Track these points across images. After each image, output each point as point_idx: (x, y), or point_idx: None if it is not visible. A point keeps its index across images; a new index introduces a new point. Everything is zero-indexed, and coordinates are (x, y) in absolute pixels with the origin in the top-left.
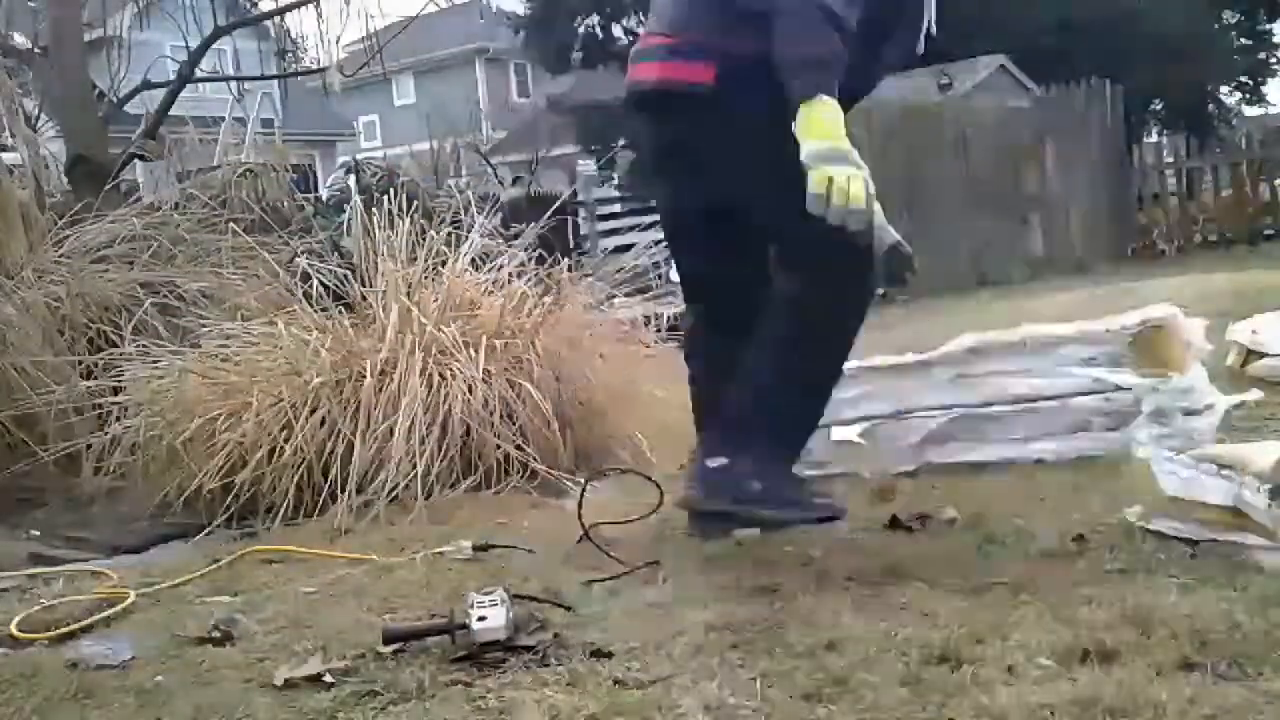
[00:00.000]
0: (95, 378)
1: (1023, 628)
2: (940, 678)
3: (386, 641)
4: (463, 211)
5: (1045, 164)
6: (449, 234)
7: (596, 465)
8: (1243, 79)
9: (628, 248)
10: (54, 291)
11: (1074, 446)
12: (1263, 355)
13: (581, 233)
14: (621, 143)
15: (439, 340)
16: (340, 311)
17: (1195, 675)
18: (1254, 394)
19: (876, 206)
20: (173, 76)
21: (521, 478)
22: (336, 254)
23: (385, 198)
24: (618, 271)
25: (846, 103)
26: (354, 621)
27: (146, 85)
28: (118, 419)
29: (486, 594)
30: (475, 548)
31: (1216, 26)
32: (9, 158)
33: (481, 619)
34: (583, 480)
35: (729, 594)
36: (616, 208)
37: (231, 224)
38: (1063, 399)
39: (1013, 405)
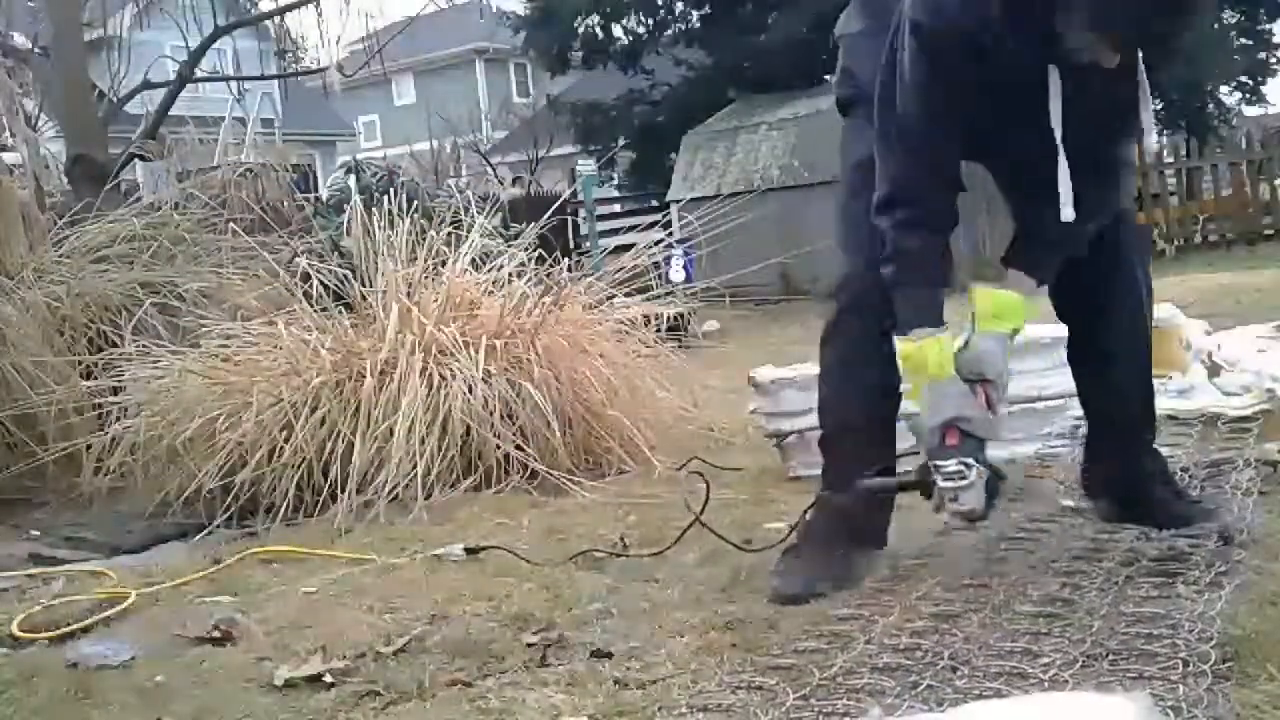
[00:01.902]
0: (95, 378)
1: (1027, 633)
2: (939, 676)
3: (868, 490)
4: (463, 211)
5: None
6: (449, 234)
7: (596, 465)
8: (1243, 79)
9: (628, 248)
10: (54, 291)
11: (1073, 445)
12: (1222, 369)
13: (581, 233)
14: (622, 142)
15: (439, 340)
16: (340, 311)
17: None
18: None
19: None
20: (173, 76)
21: (521, 478)
22: (336, 254)
23: (385, 198)
24: (618, 271)
25: None
26: (354, 621)
27: (146, 85)
28: (118, 419)
29: (960, 463)
30: (467, 550)
31: (1216, 26)
32: (9, 158)
33: (959, 477)
34: (583, 480)
35: (729, 593)
36: (616, 208)
37: (231, 224)
38: (1062, 399)
39: (1011, 406)
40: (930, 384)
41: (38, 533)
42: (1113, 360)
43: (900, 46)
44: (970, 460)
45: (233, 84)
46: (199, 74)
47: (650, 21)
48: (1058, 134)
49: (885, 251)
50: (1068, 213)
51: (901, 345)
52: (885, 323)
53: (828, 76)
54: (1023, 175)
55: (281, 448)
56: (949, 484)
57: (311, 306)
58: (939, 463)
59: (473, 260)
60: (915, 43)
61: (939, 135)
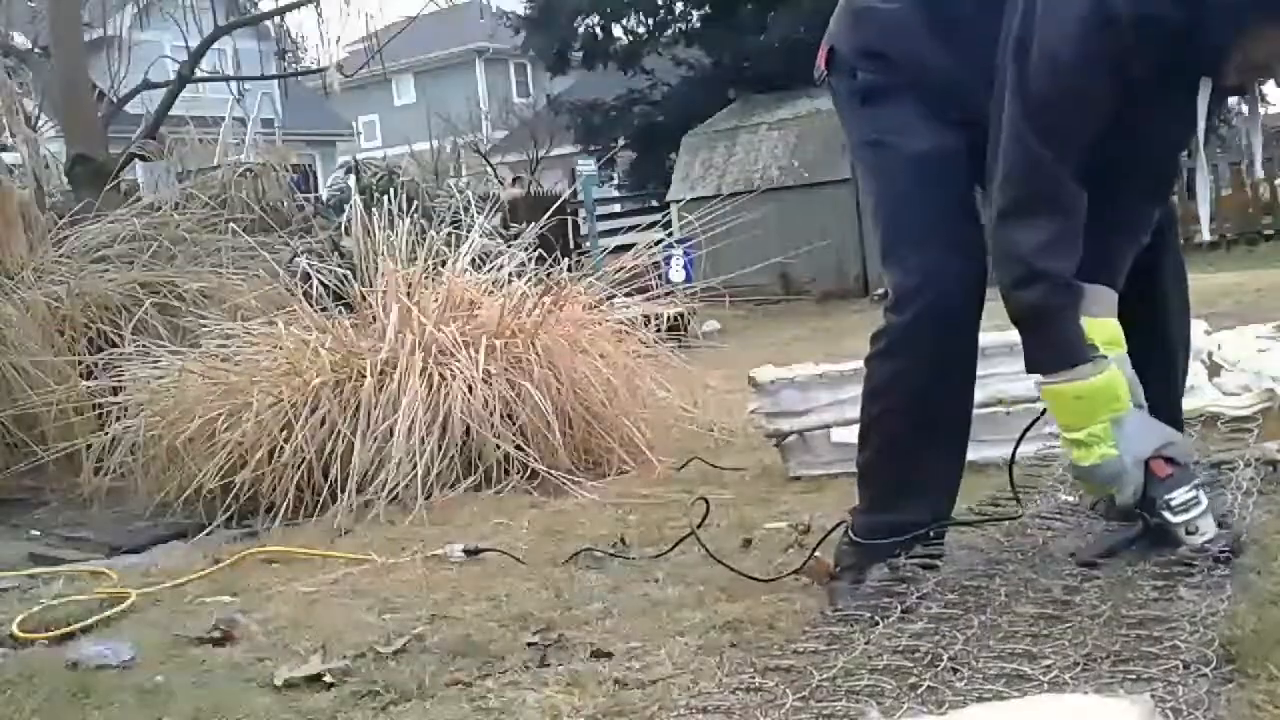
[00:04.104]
0: (95, 378)
1: (1027, 634)
2: (939, 677)
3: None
4: (463, 211)
5: None
6: (449, 234)
7: (596, 465)
8: None
9: (628, 248)
10: (54, 291)
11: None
12: (1222, 369)
13: (581, 233)
14: (622, 142)
15: (439, 340)
16: (340, 311)
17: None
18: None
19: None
20: (173, 76)
21: (521, 478)
22: (336, 254)
23: (385, 198)
24: (618, 271)
25: None
26: (354, 621)
27: (146, 85)
28: (118, 419)
29: (1193, 488)
30: (467, 550)
31: None
32: (9, 158)
33: (1195, 505)
34: (583, 480)
35: (729, 593)
36: (616, 208)
37: (231, 224)
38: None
39: (1012, 406)
40: (1115, 421)
41: (38, 533)
42: (1172, 349)
43: (1051, 32)
44: (1198, 482)
45: (233, 84)
46: (199, 74)
47: (650, 21)
48: (1201, 145)
49: (1025, 271)
50: (1206, 233)
51: (1068, 386)
52: (968, 339)
53: None
54: (1107, 167)
55: (281, 448)
56: (1185, 517)
57: (311, 306)
58: (1168, 497)
59: (473, 260)
60: (1109, 31)
61: (1086, 132)
